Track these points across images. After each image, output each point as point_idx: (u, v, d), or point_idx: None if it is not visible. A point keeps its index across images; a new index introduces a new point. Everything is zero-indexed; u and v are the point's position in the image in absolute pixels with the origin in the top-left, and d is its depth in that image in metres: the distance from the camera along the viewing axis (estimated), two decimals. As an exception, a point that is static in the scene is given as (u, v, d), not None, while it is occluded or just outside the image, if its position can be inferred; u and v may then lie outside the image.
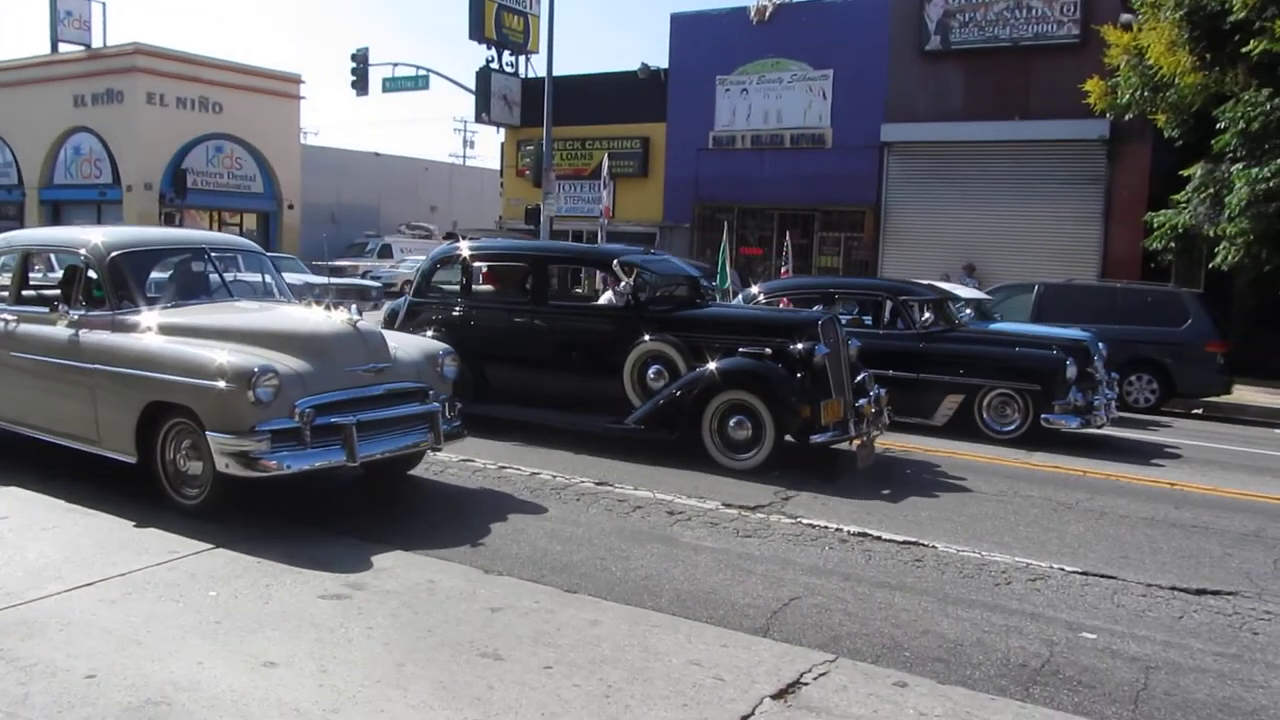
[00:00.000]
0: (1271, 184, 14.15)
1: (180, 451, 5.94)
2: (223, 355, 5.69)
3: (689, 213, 24.42)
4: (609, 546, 5.82)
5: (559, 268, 10.33)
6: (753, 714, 3.68)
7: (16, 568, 4.98)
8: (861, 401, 8.30)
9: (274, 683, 3.80)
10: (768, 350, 8.07)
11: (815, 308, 10.25)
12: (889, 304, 11.01)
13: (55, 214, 37.47)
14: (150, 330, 6.24)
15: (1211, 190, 15.49)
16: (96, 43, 37.63)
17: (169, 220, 33.58)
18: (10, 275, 7.32)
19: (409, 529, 5.96)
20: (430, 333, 9.04)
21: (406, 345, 6.67)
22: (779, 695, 3.83)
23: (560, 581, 5.11)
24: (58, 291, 7.28)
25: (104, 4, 38.74)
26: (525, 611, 4.62)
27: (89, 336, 6.35)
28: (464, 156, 60.92)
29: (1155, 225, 16.70)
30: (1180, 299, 13.78)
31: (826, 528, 6.37)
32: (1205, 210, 15.61)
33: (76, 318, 6.49)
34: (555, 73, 23.63)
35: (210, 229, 36.61)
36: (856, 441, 8.02)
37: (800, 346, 8.01)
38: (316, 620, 4.43)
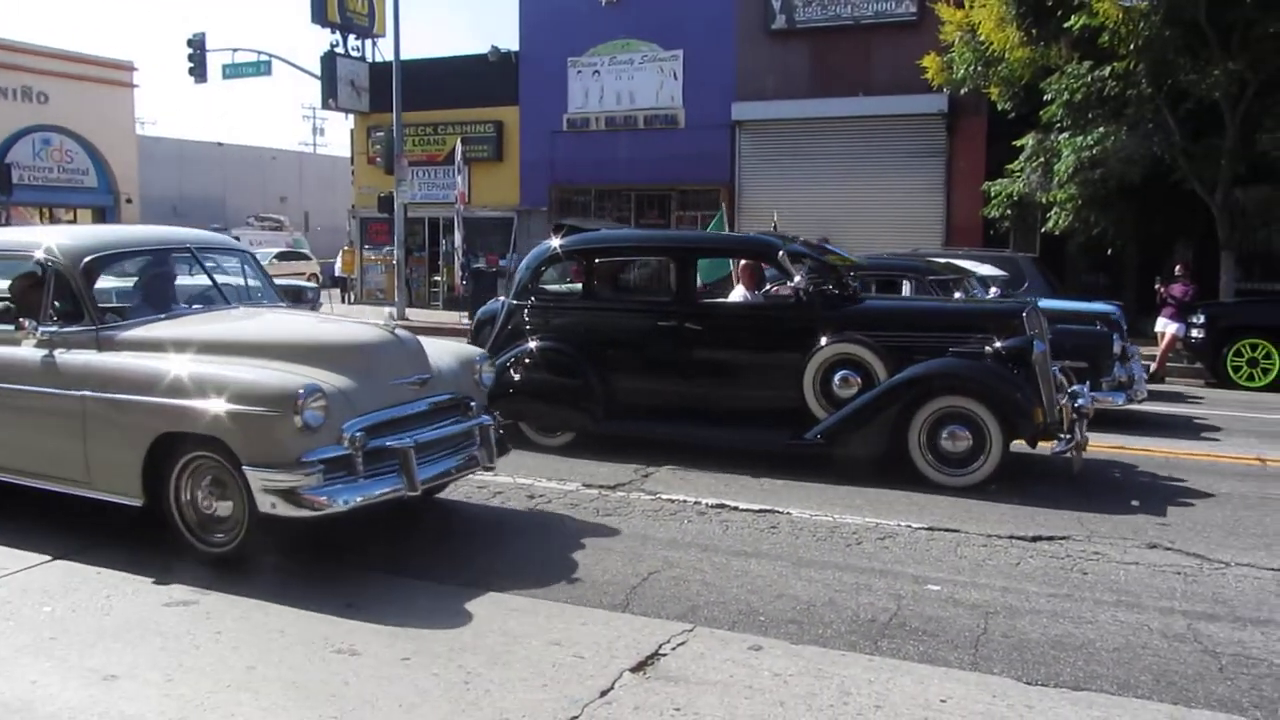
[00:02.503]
0: (1094, 151, 15.01)
1: (201, 490, 5.04)
2: (258, 374, 4.86)
3: (546, 196, 24.32)
4: (471, 534, 5.78)
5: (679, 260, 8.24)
6: (612, 688, 3.72)
7: None
8: (1064, 400, 7.25)
9: (116, 696, 3.65)
10: (988, 349, 7.02)
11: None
12: (906, 284, 9.84)
13: None
14: (148, 347, 5.29)
15: (1042, 159, 16.34)
16: (-98, 30, 34.90)
17: (-6, 218, 31.55)
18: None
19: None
20: (540, 341, 8.11)
21: (440, 352, 5.81)
22: (638, 668, 3.89)
23: (422, 571, 5.05)
24: (5, 305, 6.22)
25: (-92, -12, 35.98)
26: (384, 603, 4.55)
27: (69, 358, 5.34)
28: (314, 144, 59.22)
29: (992, 194, 17.54)
30: (1017, 263, 14.47)
31: (684, 501, 6.47)
32: (1037, 178, 16.47)
33: (47, 335, 5.44)
34: (403, 56, 23.17)
35: (38, 225, 34.61)
36: (1074, 446, 7.03)
37: (1011, 342, 7.02)
38: (162, 629, 4.26)
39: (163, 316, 5.75)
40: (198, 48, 26.20)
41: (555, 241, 8.46)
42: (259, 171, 44.14)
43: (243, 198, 41.94)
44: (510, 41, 25.02)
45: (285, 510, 4.67)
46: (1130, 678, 3.88)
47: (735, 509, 6.30)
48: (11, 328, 5.57)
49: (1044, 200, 16.51)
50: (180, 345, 5.25)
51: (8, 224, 32.00)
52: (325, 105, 27.34)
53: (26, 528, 5.66)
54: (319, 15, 26.33)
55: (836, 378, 7.27)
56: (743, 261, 8.86)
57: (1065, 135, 15.70)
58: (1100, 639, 4.27)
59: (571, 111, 23.95)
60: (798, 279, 7.56)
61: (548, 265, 8.58)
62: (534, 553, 5.42)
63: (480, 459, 5.58)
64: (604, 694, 3.68)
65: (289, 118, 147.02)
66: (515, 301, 8.42)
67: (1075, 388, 7.46)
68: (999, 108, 17.63)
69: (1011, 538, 5.73)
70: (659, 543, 5.60)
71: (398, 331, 5.44)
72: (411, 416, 5.24)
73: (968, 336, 7.20)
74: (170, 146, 41.40)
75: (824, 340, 7.34)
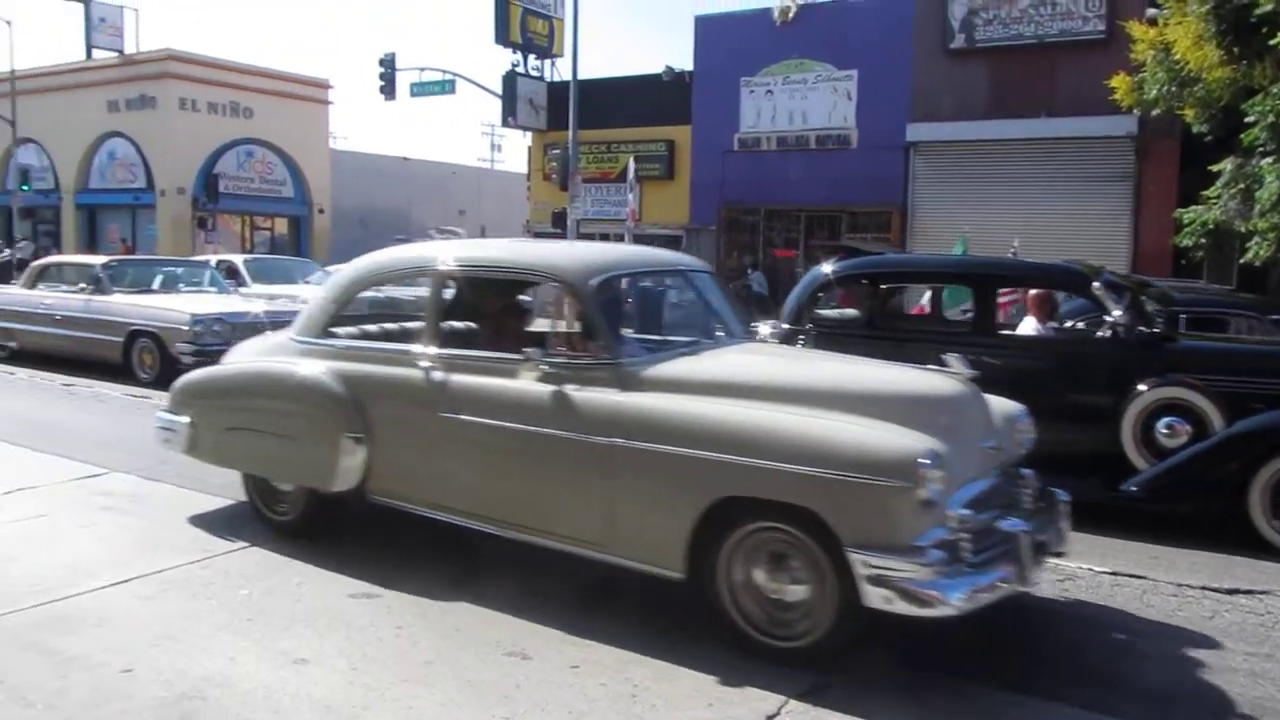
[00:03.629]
0: (1301, 179, 14.01)
1: (759, 568, 4.18)
2: (864, 433, 4.01)
3: (715, 215, 24.43)
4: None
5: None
6: (778, 713, 3.72)
7: (54, 565, 5.09)
8: None
9: (305, 679, 3.87)
10: None
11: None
12: (1234, 322, 8.73)
13: (90, 219, 38.08)
14: (687, 389, 4.45)
15: (1242, 185, 15.34)
16: (130, 49, 38.15)
17: (201, 225, 34.04)
18: (426, 307, 5.37)
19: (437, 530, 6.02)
20: None
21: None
22: (803, 696, 3.86)
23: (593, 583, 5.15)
24: (462, 327, 5.83)
25: (136, 10, 39.27)
26: (553, 611, 4.67)
27: (588, 396, 4.52)
28: (491, 160, 61.22)
29: (1185, 222, 16.58)
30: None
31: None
32: (1236, 205, 15.46)
33: (554, 368, 4.63)
34: (580, 76, 23.72)
35: (242, 234, 37.11)
36: None
37: None
38: (347, 619, 4.50)
39: (684, 350, 4.99)
40: (388, 67, 27.50)
41: (828, 267, 7.93)
42: (440, 185, 45.96)
43: (425, 210, 43.73)
44: (684, 61, 25.31)
45: (901, 606, 3.79)
46: (1337, 747, 3.61)
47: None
48: (507, 357, 4.84)
49: (1243, 229, 15.51)
50: (728, 389, 4.40)
51: (213, 230, 34.54)
52: (505, 123, 28.27)
53: (226, 515, 6.09)
54: (502, 36, 27.30)
55: (1162, 424, 6.45)
56: (1033, 291, 8.09)
57: (1269, 160, 14.70)
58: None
59: (743, 131, 24.01)
60: (1116, 313, 6.82)
61: (823, 290, 7.91)
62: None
63: (1051, 541, 4.53)
64: (770, 719, 3.68)
65: (469, 134, 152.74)
66: (790, 327, 7.68)
67: None
68: (1194, 130, 16.70)
69: (1204, 589, 5.41)
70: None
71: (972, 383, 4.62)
72: (994, 490, 4.38)
73: None
74: (360, 160, 43.58)
75: (1146, 382, 6.56)
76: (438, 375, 5.00)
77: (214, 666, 3.96)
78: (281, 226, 38.94)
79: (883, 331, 7.44)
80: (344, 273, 6.06)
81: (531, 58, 28.14)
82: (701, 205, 24.77)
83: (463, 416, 4.85)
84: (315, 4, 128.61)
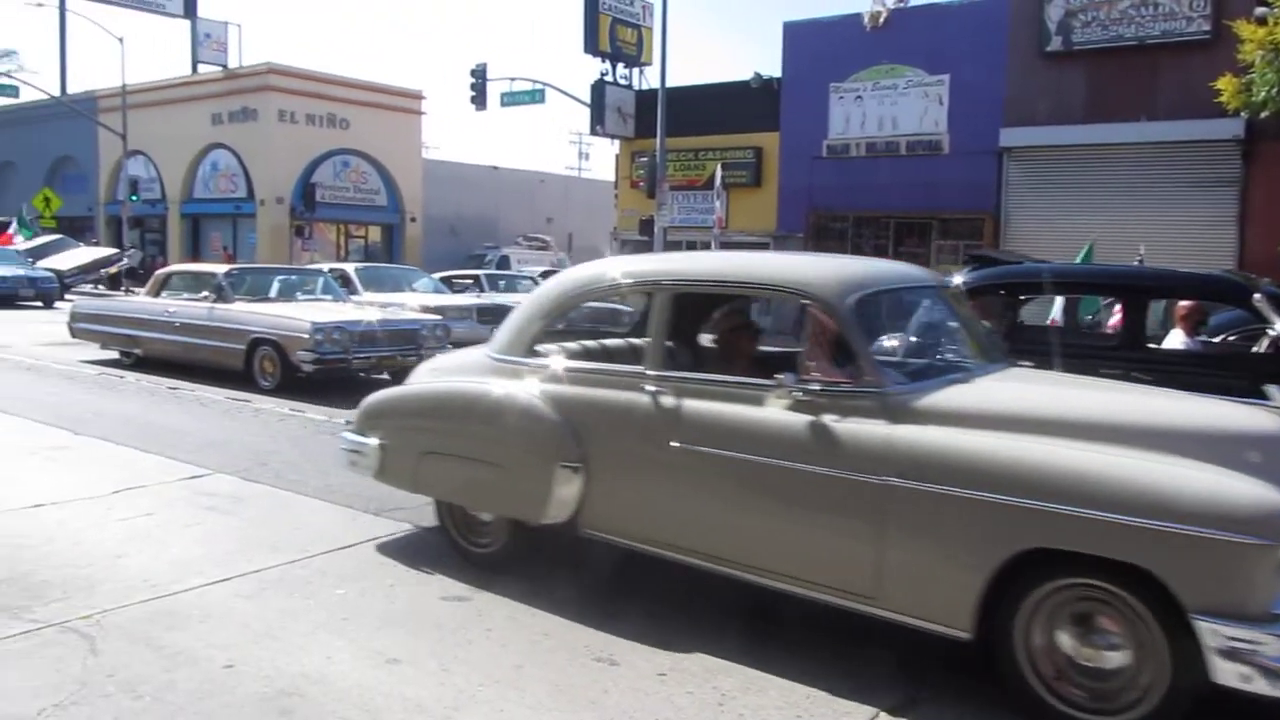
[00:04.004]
0: None
1: (1063, 629, 3.67)
2: (1207, 480, 3.47)
3: (803, 222, 24.27)
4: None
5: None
6: (866, 726, 3.67)
7: (162, 562, 5.29)
8: None
9: (398, 679, 3.96)
10: None
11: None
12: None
13: (194, 227, 39.50)
14: (970, 422, 3.92)
15: (1359, 192, 14.73)
16: (233, 63, 39.63)
17: (299, 233, 35.07)
18: (652, 324, 4.88)
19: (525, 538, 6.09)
20: None
21: None
22: (894, 709, 3.81)
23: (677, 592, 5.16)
24: (689, 347, 5.37)
25: (239, 26, 40.68)
26: (640, 618, 4.69)
27: (852, 428, 4.02)
28: (579, 168, 61.82)
29: (1296, 229, 15.98)
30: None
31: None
32: (1351, 213, 14.86)
33: (809, 396, 4.14)
34: (668, 84, 23.82)
35: (337, 241, 38.10)
36: None
37: None
38: (438, 620, 4.59)
39: (955, 378, 4.42)
40: (480, 77, 27.97)
41: (959, 277, 7.41)
42: (528, 194, 46.55)
43: (513, 218, 44.36)
44: (773, 68, 25.23)
45: (1261, 686, 3.27)
46: None
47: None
48: (753, 381, 4.41)
49: (1361, 237, 14.88)
50: (1021, 423, 3.87)
51: (310, 238, 35.54)
52: (593, 131, 28.52)
53: (322, 517, 6.26)
54: (591, 46, 27.59)
55: None
56: (1182, 302, 7.52)
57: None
58: None
59: (832, 137, 23.82)
60: None
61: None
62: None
63: None
64: (858, 731, 3.63)
65: (557, 143, 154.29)
66: None
67: None
68: (1307, 133, 16.08)
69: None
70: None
71: None
72: None
73: None
74: (450, 169, 44.36)
75: None
76: (667, 400, 4.57)
77: (311, 664, 4.07)
78: (375, 235, 39.91)
79: (1022, 344, 6.66)
80: (553, 286, 5.55)
81: (620, 66, 28.37)
82: (789, 212, 24.64)
83: (699, 448, 4.40)
84: (409, 17, 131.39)
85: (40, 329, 19.42)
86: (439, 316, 13.75)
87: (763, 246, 24.82)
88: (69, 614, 4.50)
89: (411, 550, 5.63)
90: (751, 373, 4.59)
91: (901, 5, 23.04)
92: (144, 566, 5.21)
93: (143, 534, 5.81)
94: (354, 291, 15.49)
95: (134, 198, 34.95)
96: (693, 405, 4.50)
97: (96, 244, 36.35)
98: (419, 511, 6.48)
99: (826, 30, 24.07)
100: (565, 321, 5.61)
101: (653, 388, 4.64)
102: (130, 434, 8.83)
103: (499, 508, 5.23)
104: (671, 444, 4.48)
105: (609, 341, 5.74)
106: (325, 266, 17.34)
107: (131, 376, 12.78)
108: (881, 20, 22.94)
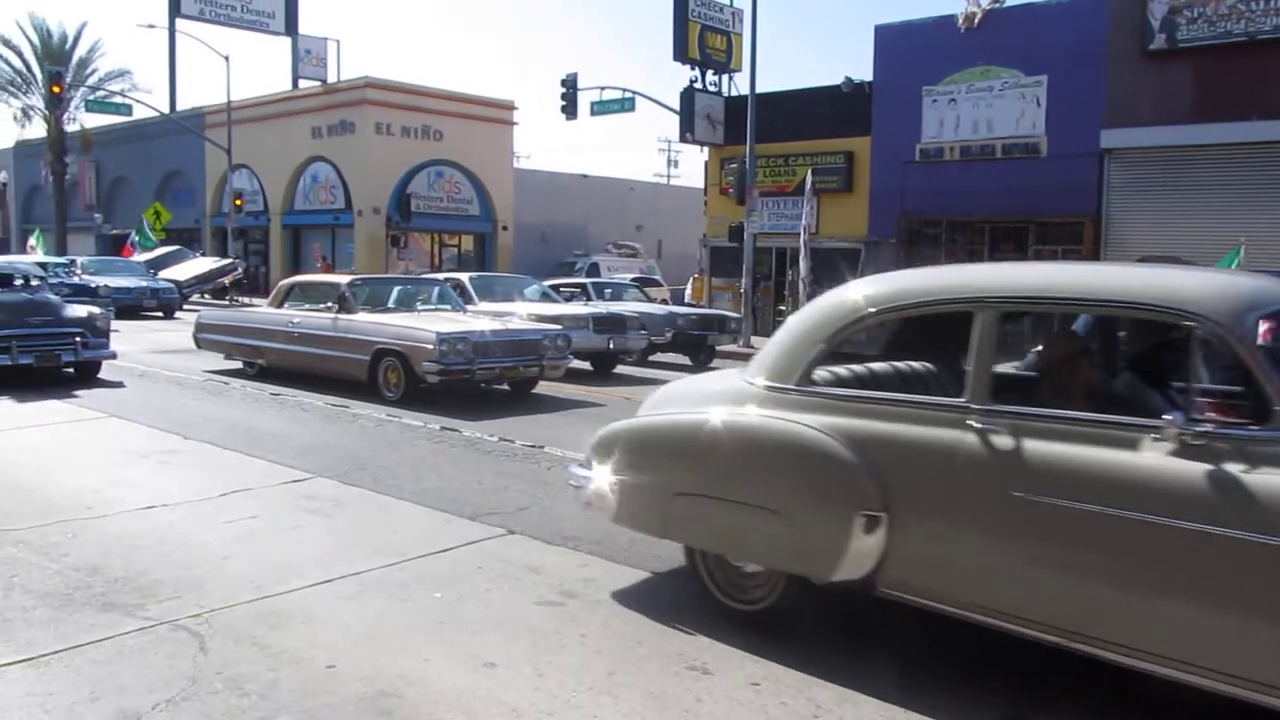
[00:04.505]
0: None
1: None
2: None
3: (894, 227, 23.93)
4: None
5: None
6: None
7: (266, 564, 5.45)
8: None
9: (494, 683, 4.00)
10: None
11: None
12: None
13: (295, 238, 40.68)
14: None
15: None
16: (331, 78, 40.70)
17: (394, 243, 35.90)
18: (974, 349, 4.06)
19: (613, 541, 6.12)
20: None
21: None
22: (993, 724, 3.72)
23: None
24: (1018, 376, 4.71)
25: (338, 42, 41.82)
26: (733, 627, 4.67)
27: (1268, 481, 3.27)
28: (668, 176, 61.99)
29: None
30: None
31: None
32: None
33: (1199, 440, 3.41)
34: (758, 90, 23.71)
35: (431, 250, 38.85)
36: None
37: None
38: (533, 625, 4.63)
39: None
40: (570, 87, 28.23)
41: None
42: (618, 201, 46.85)
43: (603, 226, 44.68)
44: (864, 72, 24.97)
45: None
46: None
47: None
48: (1125, 421, 3.64)
49: None
50: None
51: (405, 248, 36.34)
52: (683, 138, 28.56)
53: (420, 522, 6.37)
54: (680, 53, 27.64)
55: None
56: None
57: None
58: None
59: (925, 141, 23.44)
60: None
61: None
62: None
63: None
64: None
65: (646, 150, 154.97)
66: None
67: None
68: None
69: None
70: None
71: None
72: None
73: None
74: (541, 178, 44.92)
75: None
76: (1002, 440, 3.81)
77: (409, 666, 4.14)
78: (468, 243, 40.60)
79: None
80: (836, 302, 4.69)
81: (709, 73, 28.37)
82: (881, 217, 24.31)
83: (1051, 499, 3.63)
84: (502, 29, 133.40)
85: (154, 337, 20.22)
86: (559, 327, 13.63)
87: (853, 252, 24.57)
88: (180, 612, 4.67)
89: (506, 554, 5.70)
90: (1092, 407, 3.86)
91: (997, 6, 22.56)
92: (249, 567, 5.38)
93: (248, 535, 6.00)
94: (469, 301, 15.38)
95: (239, 210, 36.14)
96: (1038, 447, 3.74)
97: (203, 255, 37.67)
98: (514, 517, 6.58)
99: (919, 33, 23.71)
100: (853, 345, 4.77)
101: (980, 424, 3.89)
102: (235, 438, 9.12)
103: (775, 560, 4.48)
104: (1012, 493, 3.73)
105: (886, 366, 4.96)
106: (440, 275, 17.46)
107: (236, 383, 13.20)
108: (976, 21, 22.51)
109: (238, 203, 36.56)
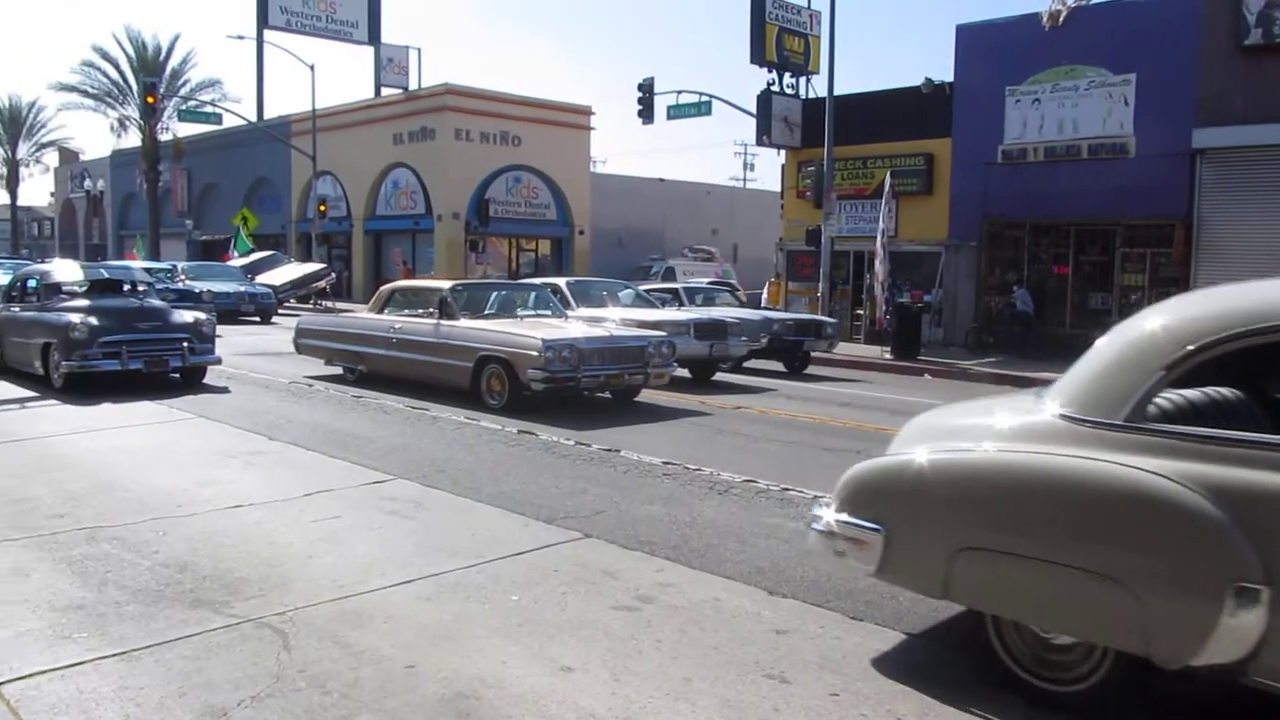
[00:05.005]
0: None
1: None
2: None
3: (976, 230, 23.48)
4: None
5: None
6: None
7: (348, 563, 5.54)
8: None
9: (571, 687, 4.01)
10: None
11: None
12: None
13: (376, 243, 41.43)
14: None
15: None
16: (412, 85, 41.40)
17: (473, 248, 36.36)
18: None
19: (690, 547, 6.10)
20: None
21: None
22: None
23: (845, 608, 5.06)
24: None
25: (419, 49, 42.54)
26: (810, 635, 4.62)
27: None
28: (744, 179, 61.75)
29: None
30: None
31: None
32: None
33: None
34: (836, 92, 23.50)
35: (509, 255, 39.25)
36: None
37: None
38: (609, 630, 4.63)
39: None
40: (647, 91, 28.28)
41: None
42: (694, 205, 46.82)
43: (679, 230, 44.72)
44: (944, 73, 24.57)
45: None
46: None
47: None
48: None
49: None
50: None
51: (484, 252, 36.77)
52: (759, 141, 28.40)
53: (495, 526, 6.43)
54: (757, 56, 27.50)
55: None
56: None
57: None
58: None
59: (1007, 142, 22.97)
60: None
61: None
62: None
63: None
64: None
65: (722, 153, 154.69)
66: None
67: None
68: None
69: None
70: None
71: None
72: None
73: None
74: (618, 182, 45.09)
75: None
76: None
77: (487, 668, 4.17)
78: (545, 248, 40.95)
79: None
80: (1190, 316, 3.79)
81: (787, 75, 28.18)
82: (962, 220, 23.88)
83: None
84: (577, 34, 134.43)
85: (245, 340, 20.78)
86: (663, 333, 13.02)
87: (933, 255, 24.18)
88: (264, 610, 4.77)
89: (582, 558, 5.71)
90: None
91: (1083, 3, 22.00)
92: (332, 566, 5.47)
93: (330, 535, 6.11)
94: (567, 306, 14.93)
95: (323, 216, 36.93)
96: None
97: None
98: (590, 520, 6.59)
99: (1001, 32, 23.25)
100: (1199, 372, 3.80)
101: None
102: (318, 440, 9.31)
103: (1107, 636, 3.68)
104: None
105: (1229, 395, 3.97)
106: (538, 280, 17.38)
107: (320, 386, 13.48)
108: (1061, 19, 21.97)
109: (322, 209, 37.44)
